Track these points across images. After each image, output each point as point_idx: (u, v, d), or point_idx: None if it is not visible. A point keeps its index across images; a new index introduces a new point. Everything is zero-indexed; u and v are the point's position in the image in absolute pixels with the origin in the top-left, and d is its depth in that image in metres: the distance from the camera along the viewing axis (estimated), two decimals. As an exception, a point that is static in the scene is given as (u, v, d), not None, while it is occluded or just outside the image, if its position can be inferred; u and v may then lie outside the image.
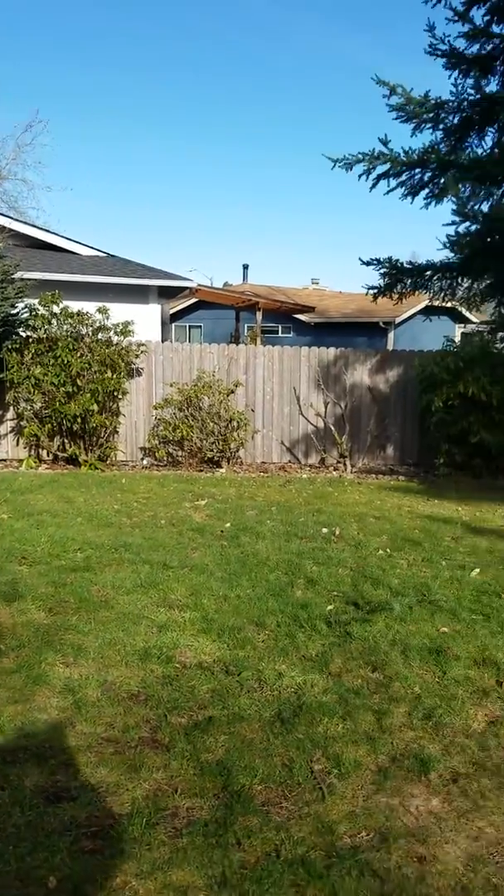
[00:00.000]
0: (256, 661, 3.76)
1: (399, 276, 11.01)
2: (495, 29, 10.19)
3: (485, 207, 9.97)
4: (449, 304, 14.34)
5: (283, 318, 24.64)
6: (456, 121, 10.49)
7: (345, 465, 11.34)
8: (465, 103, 10.04)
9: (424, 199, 10.79)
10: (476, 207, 9.31)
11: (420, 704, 3.33)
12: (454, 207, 9.15)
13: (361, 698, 3.37)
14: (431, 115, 10.18)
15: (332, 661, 3.78)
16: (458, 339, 17.64)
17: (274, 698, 3.36)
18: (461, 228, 9.33)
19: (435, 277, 10.96)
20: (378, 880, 2.21)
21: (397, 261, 10.89)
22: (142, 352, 10.93)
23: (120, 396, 10.81)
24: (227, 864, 2.26)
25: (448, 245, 9.64)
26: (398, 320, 23.76)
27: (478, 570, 5.55)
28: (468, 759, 2.91)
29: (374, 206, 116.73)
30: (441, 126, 10.48)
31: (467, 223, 9.28)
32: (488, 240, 9.33)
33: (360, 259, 11.09)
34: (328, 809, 2.56)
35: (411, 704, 3.33)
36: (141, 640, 3.97)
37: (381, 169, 10.12)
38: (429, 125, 10.41)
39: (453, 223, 9.30)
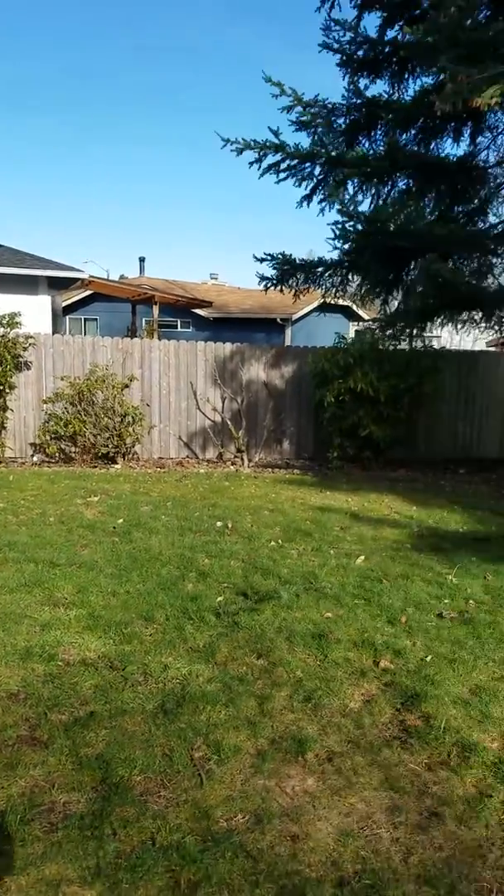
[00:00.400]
0: (143, 654, 3.75)
1: (291, 271, 11.20)
2: (390, 35, 10.52)
3: (367, 206, 10.33)
4: (342, 302, 14.75)
5: (181, 313, 24.54)
6: (346, 123, 10.75)
7: (242, 459, 11.46)
8: (354, 106, 10.30)
9: (319, 203, 11.01)
10: (358, 209, 9.56)
11: (301, 687, 3.43)
12: (338, 207, 9.37)
13: (245, 685, 3.43)
14: (321, 119, 10.37)
15: (218, 650, 3.82)
16: (352, 336, 18.16)
17: (158, 690, 3.36)
18: (348, 226, 9.58)
19: (326, 274, 11.21)
20: (251, 860, 2.26)
21: (290, 256, 11.06)
22: (30, 344, 10.62)
23: (7, 391, 10.46)
24: (102, 854, 2.26)
25: (333, 244, 9.91)
26: (295, 317, 24.20)
27: (363, 557, 5.75)
28: (344, 737, 3.02)
29: (273, 204, 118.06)
30: (332, 128, 10.70)
31: (351, 222, 9.54)
32: (370, 239, 9.63)
33: (254, 256, 11.21)
34: (206, 795, 2.59)
35: (293, 688, 3.42)
36: (22, 640, 3.87)
37: (271, 159, 10.20)
38: (321, 128, 10.61)
39: (336, 223, 9.56)
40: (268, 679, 3.51)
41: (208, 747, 2.89)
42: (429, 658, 3.81)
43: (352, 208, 9.35)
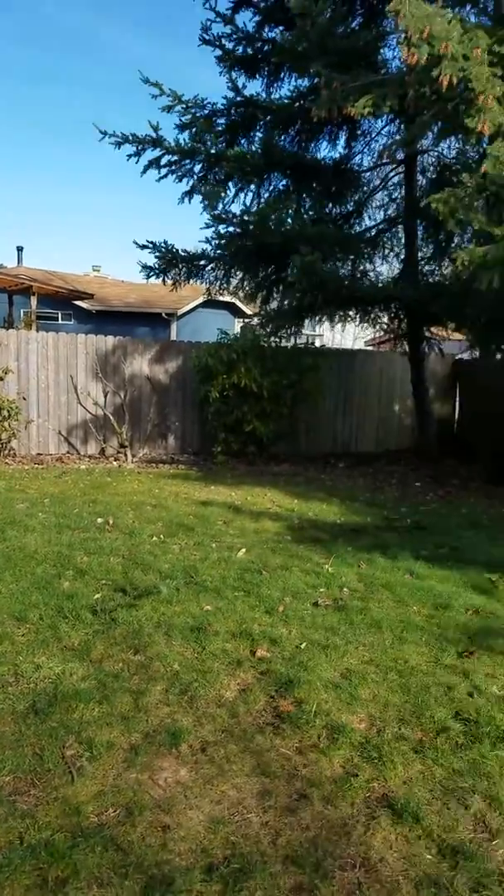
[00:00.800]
0: (14, 655, 3.64)
1: (174, 262, 11.16)
2: (268, 34, 10.67)
3: (248, 205, 10.47)
4: (226, 298, 14.86)
5: (62, 305, 23.84)
6: (226, 123, 10.83)
7: (125, 455, 11.30)
8: (234, 104, 10.39)
9: (201, 203, 11.07)
10: (228, 209, 9.70)
11: (178, 680, 3.44)
12: (209, 212, 9.46)
13: (120, 681, 3.40)
14: (201, 118, 10.39)
15: (94, 648, 3.77)
16: (237, 331, 18.34)
17: (30, 690, 3.28)
18: (220, 230, 9.69)
19: (208, 267, 11.25)
20: (121, 853, 2.26)
21: (172, 246, 11.01)
22: None
23: None
24: (-34, 860, 2.18)
25: (211, 243, 10.00)
26: (180, 312, 24.10)
27: (244, 550, 5.83)
28: (218, 727, 3.06)
29: (161, 197, 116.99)
30: (213, 128, 10.75)
31: (224, 226, 9.66)
32: (245, 240, 9.78)
33: (135, 242, 11.05)
34: (77, 792, 2.56)
35: (169, 682, 3.43)
36: None
37: (151, 154, 10.14)
38: (201, 127, 10.63)
39: (207, 225, 9.64)
40: (144, 674, 3.50)
41: (80, 745, 2.85)
42: (303, 645, 3.92)
43: (220, 209, 9.45)
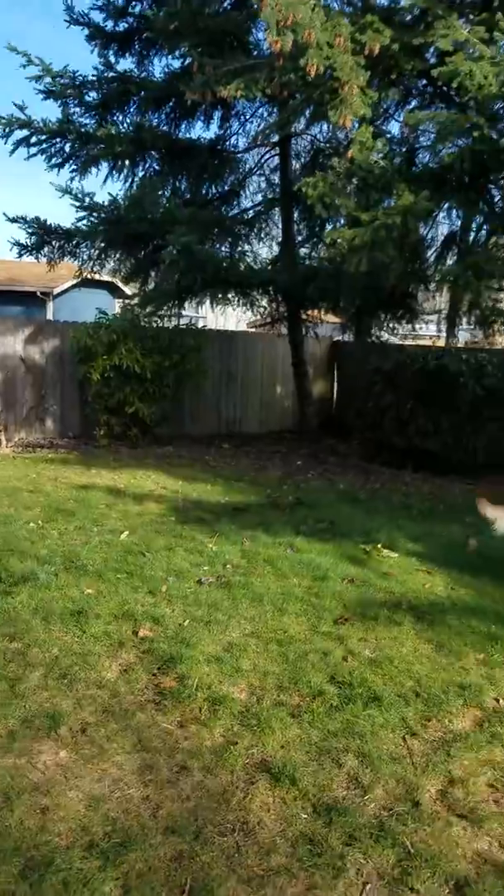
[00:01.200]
0: None
1: (47, 238, 10.76)
2: (141, 9, 10.40)
3: (122, 187, 10.27)
4: (106, 277, 14.52)
5: None
6: (99, 97, 10.52)
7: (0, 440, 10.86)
8: (106, 80, 10.10)
9: (70, 172, 10.71)
10: (94, 200, 9.53)
11: (57, 665, 3.39)
12: (74, 203, 9.25)
13: (-4, 670, 3.31)
14: (71, 91, 10.04)
15: (-34, 638, 3.64)
16: (117, 311, 17.93)
17: None
18: (90, 220, 9.48)
19: (83, 245, 10.93)
20: (-2, 839, 2.22)
21: (45, 221, 10.61)
22: None
23: None
24: None
25: (86, 226, 9.76)
26: (57, 291, 23.28)
27: (127, 532, 5.78)
28: (99, 707, 3.06)
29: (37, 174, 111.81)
30: (84, 102, 10.42)
31: (95, 215, 9.45)
32: (115, 226, 9.61)
33: (4, 214, 10.58)
34: (-50, 784, 2.48)
35: (48, 667, 3.38)
36: None
37: (19, 134, 9.73)
38: (72, 100, 10.27)
39: (78, 220, 9.45)
40: (21, 661, 3.43)
41: (-47, 736, 2.76)
42: (186, 623, 3.97)
43: (87, 200, 9.22)
